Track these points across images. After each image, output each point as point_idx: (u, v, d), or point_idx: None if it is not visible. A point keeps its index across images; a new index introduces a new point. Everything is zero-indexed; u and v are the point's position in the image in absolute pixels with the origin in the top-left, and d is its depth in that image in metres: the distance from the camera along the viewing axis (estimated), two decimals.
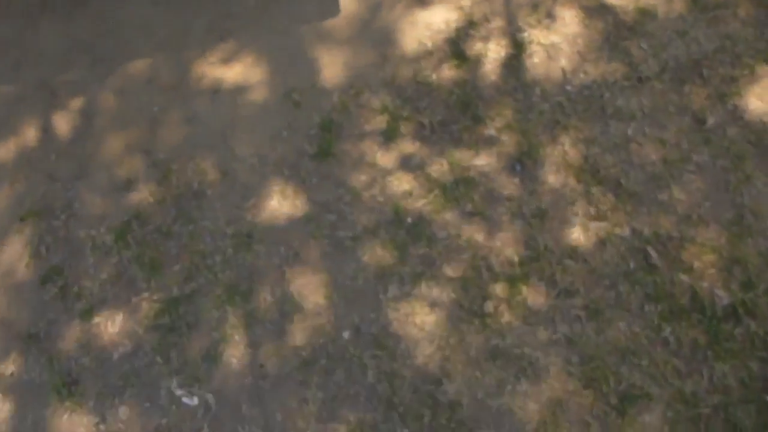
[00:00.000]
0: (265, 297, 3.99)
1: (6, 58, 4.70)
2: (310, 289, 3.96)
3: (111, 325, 4.08)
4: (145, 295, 4.12)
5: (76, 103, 4.63)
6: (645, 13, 4.24)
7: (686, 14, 4.15)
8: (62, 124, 4.59)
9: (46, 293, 4.23)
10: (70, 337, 4.09)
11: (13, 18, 4.77)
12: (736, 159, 3.75)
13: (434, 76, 4.25)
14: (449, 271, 3.88)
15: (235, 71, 4.47)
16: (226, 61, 4.53)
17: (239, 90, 4.46)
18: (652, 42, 4.10)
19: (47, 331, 4.13)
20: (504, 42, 4.25)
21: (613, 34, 4.16)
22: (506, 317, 3.82)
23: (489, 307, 3.80)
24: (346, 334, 3.87)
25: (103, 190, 4.40)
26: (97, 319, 4.11)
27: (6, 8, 4.82)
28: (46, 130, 4.60)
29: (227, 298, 4.02)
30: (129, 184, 4.37)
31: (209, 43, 4.56)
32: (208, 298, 4.05)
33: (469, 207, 3.97)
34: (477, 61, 4.23)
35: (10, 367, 4.06)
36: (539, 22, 4.27)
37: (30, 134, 4.58)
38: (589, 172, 3.85)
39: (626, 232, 3.78)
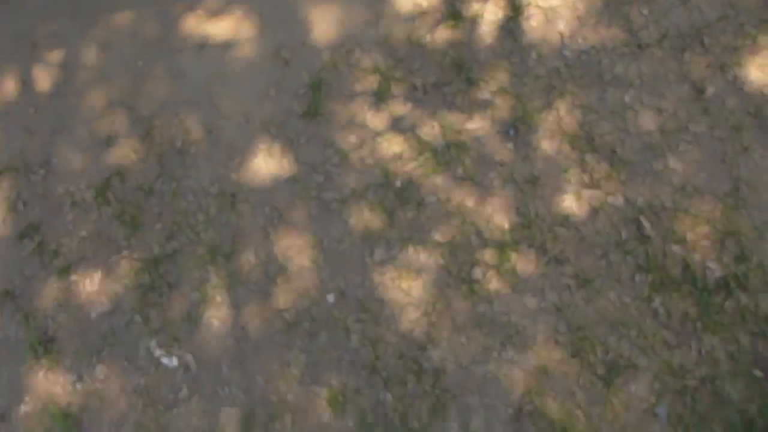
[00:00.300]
0: (248, 258, 3.88)
1: None
2: (294, 251, 3.85)
3: (89, 283, 3.96)
4: (125, 253, 3.99)
5: (57, 55, 4.46)
6: None
7: None
8: (42, 77, 4.42)
9: (23, 249, 4.09)
10: (47, 294, 3.96)
11: None
12: (734, 130, 3.67)
13: (428, 37, 4.12)
14: (438, 236, 3.78)
15: (223, 26, 4.31)
16: (214, 14, 4.37)
17: (227, 46, 4.31)
18: (653, 8, 3.99)
19: (23, 288, 4.00)
20: (502, 3, 4.13)
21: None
22: (494, 284, 3.74)
23: (477, 273, 3.71)
24: (330, 298, 3.77)
25: (83, 146, 4.26)
26: (75, 277, 3.98)
27: None
28: (26, 83, 4.44)
29: (210, 258, 3.91)
30: (110, 140, 4.23)
31: None
32: (190, 257, 3.93)
33: (460, 171, 3.86)
34: (473, 23, 4.11)
35: None
36: None
37: (8, 87, 4.41)
38: (583, 140, 3.76)
39: (620, 201, 3.69)
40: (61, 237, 4.17)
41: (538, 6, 4.15)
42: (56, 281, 4.03)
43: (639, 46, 3.93)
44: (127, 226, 4.11)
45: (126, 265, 4.02)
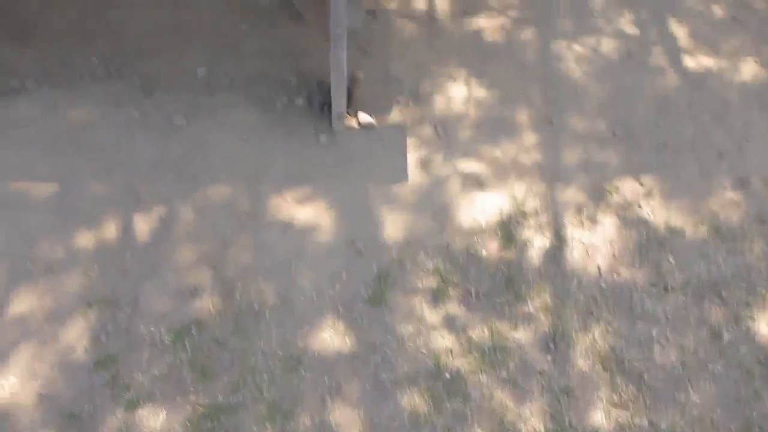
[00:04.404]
0: (304, 421, 3.78)
1: (102, 160, 4.64)
2: (347, 422, 3.77)
3: (153, 420, 3.83)
4: (192, 398, 3.89)
5: (158, 211, 4.52)
6: (674, 232, 4.31)
7: (709, 240, 4.21)
8: (142, 226, 4.46)
9: (97, 378, 3.99)
10: (112, 424, 3.81)
11: (114, 126, 4.79)
12: (747, 375, 3.70)
13: (485, 252, 4.22)
14: (479, 430, 3.69)
15: (308, 212, 4.40)
16: (301, 201, 4.47)
17: (309, 229, 4.39)
18: (678, 257, 4.14)
19: (91, 414, 3.85)
20: (549, 234, 4.27)
21: (645, 245, 4.21)
22: None
23: None
24: None
25: (169, 293, 4.24)
26: (141, 412, 3.85)
27: (110, 117, 4.80)
28: (126, 230, 4.46)
29: (268, 416, 3.81)
30: (194, 293, 4.21)
31: (288, 183, 4.54)
32: (251, 412, 3.84)
33: (504, 374, 3.85)
34: (523, 246, 4.22)
35: None
36: (582, 223, 4.30)
37: (111, 230, 4.44)
38: (614, 362, 3.79)
39: (644, 423, 3.67)
40: (134, 372, 4.07)
41: (580, 240, 4.28)
42: (123, 413, 3.90)
43: (665, 289, 4.03)
44: (197, 372, 4.01)
45: (190, 409, 3.91)
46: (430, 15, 5.42)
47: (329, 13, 4.10)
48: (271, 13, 5.27)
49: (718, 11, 5.49)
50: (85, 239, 4.37)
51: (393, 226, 4.41)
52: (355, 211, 4.49)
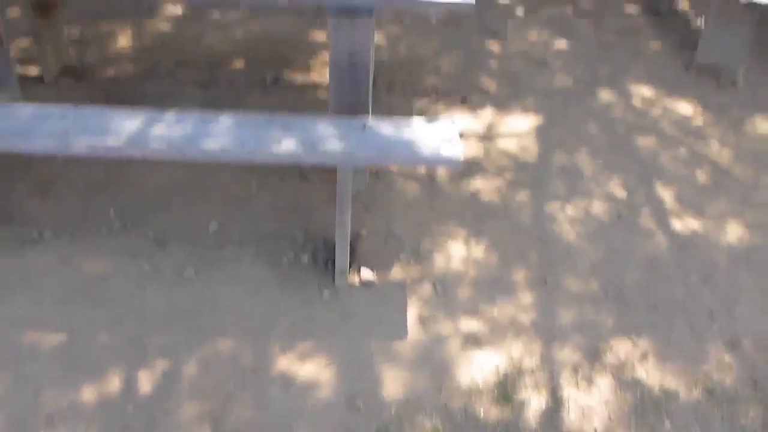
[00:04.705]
0: None
1: (113, 312, 4.83)
2: None
3: None
4: None
5: (163, 364, 4.64)
6: (668, 394, 4.40)
7: (703, 402, 4.29)
8: (145, 381, 4.57)
9: None
10: None
11: (127, 279, 5.00)
12: None
13: (482, 411, 4.30)
14: None
15: (309, 368, 4.53)
16: (303, 357, 4.61)
17: (310, 386, 4.49)
18: (674, 421, 4.20)
19: None
20: (545, 394, 4.36)
21: (640, 407, 4.29)
22: None
23: None
24: None
25: None
26: None
27: (124, 269, 5.08)
28: (130, 383, 4.57)
29: None
30: None
31: (291, 338, 4.69)
32: None
33: None
34: (520, 406, 4.31)
35: None
36: (578, 383, 4.40)
37: (114, 384, 4.54)
38: None
39: None
40: None
41: (576, 402, 4.35)
42: None
43: None
44: None
45: None
46: (430, 176, 5.80)
47: (337, 176, 4.45)
48: (280, 172, 5.66)
49: (701, 177, 5.87)
50: (88, 392, 4.49)
51: (392, 383, 4.53)
52: (356, 368, 4.63)
